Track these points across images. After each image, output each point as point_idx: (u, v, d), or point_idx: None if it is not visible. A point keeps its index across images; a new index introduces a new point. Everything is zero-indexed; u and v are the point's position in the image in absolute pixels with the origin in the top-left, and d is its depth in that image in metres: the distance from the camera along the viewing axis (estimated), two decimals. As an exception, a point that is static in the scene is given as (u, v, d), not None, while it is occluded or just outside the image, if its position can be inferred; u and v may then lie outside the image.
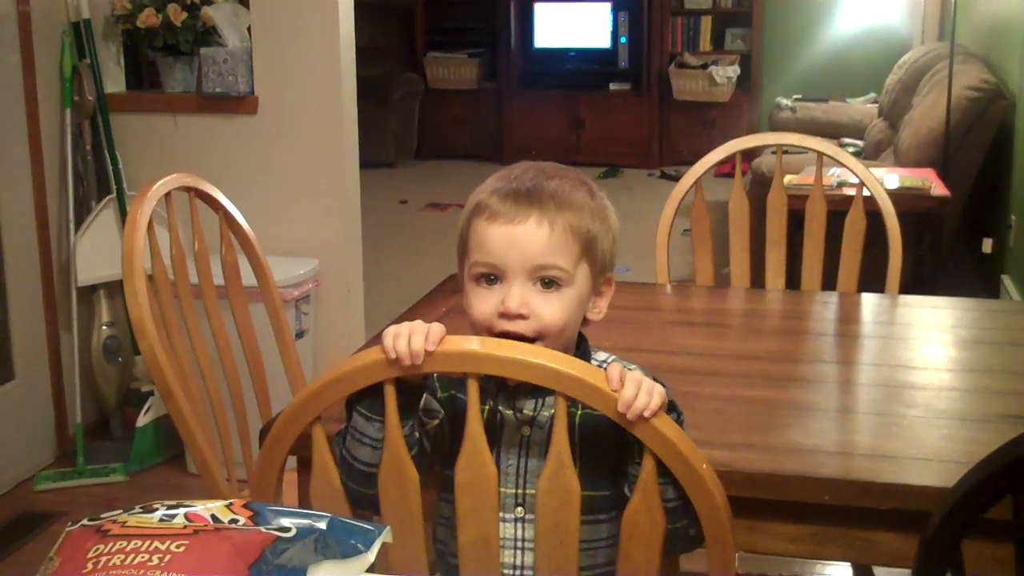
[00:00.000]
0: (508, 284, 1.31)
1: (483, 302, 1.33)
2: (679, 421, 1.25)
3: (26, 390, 3.43)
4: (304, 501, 1.48)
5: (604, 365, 1.36)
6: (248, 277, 2.18)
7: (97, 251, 3.49)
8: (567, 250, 1.32)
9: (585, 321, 1.39)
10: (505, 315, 1.30)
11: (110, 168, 3.56)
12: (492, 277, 1.32)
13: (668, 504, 1.23)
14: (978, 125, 4.72)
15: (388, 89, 8.49)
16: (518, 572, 1.34)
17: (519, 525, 1.34)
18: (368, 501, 1.31)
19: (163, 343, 1.89)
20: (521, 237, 1.30)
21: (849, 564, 2.31)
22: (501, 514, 1.29)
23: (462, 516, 1.27)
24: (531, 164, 1.38)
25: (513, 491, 1.34)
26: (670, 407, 1.23)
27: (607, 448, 1.31)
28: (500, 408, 1.33)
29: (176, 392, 1.87)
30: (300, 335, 3.34)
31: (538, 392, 1.31)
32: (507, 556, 1.34)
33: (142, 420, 3.43)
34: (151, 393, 3.46)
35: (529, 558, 1.33)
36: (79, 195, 3.56)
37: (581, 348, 1.40)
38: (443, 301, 2.15)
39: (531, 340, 1.30)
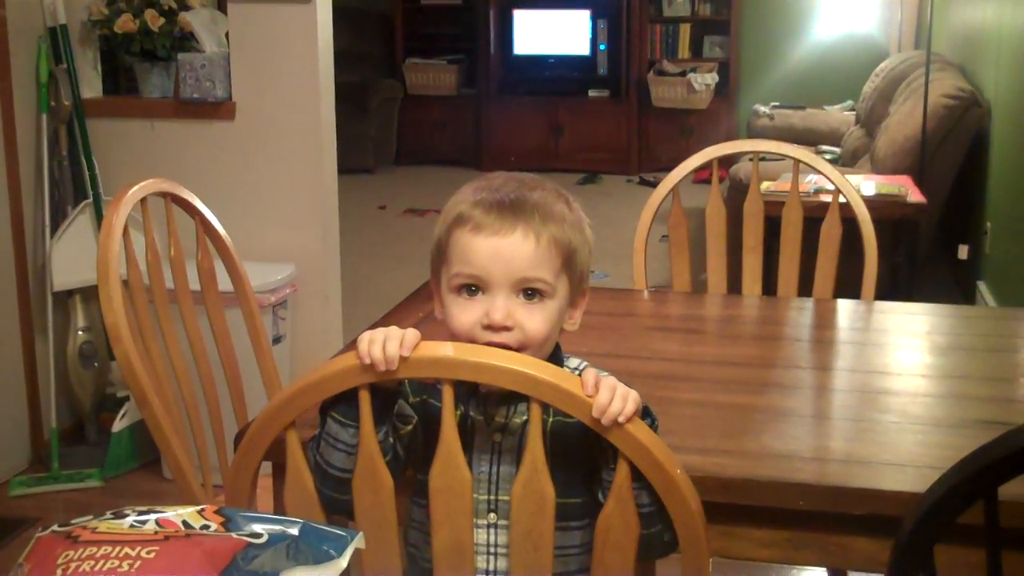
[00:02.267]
0: (492, 296, 1.30)
1: (465, 313, 1.31)
2: (653, 427, 1.25)
3: (1, 395, 3.41)
4: (279, 507, 1.47)
5: (578, 371, 1.36)
6: (224, 282, 2.17)
7: (73, 256, 3.47)
8: (551, 263, 1.31)
9: (560, 332, 1.39)
10: (490, 327, 1.29)
11: (86, 173, 3.55)
12: (473, 288, 1.31)
13: (642, 510, 1.23)
14: (954, 133, 4.76)
15: (367, 95, 8.49)
16: (491, 578, 1.34)
17: (492, 531, 1.34)
18: (342, 507, 1.31)
19: (138, 349, 1.88)
20: (507, 250, 1.29)
21: (824, 569, 2.32)
22: (474, 520, 1.29)
23: (436, 522, 1.26)
24: (509, 175, 1.37)
25: (485, 497, 1.33)
26: (644, 413, 1.23)
27: (578, 455, 1.31)
28: (472, 414, 1.33)
29: (151, 398, 1.86)
30: (277, 340, 3.33)
31: (509, 398, 1.31)
32: (480, 562, 1.33)
33: (118, 425, 3.42)
34: (127, 398, 3.45)
35: (502, 563, 1.33)
36: (55, 200, 3.54)
37: (554, 354, 1.39)
38: (420, 307, 2.14)
39: (515, 351, 1.30)
